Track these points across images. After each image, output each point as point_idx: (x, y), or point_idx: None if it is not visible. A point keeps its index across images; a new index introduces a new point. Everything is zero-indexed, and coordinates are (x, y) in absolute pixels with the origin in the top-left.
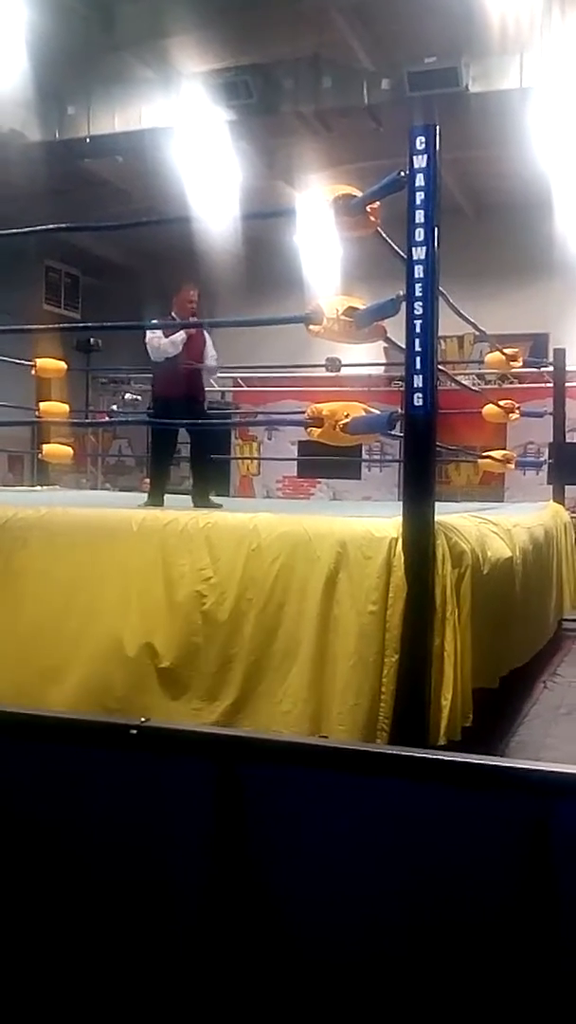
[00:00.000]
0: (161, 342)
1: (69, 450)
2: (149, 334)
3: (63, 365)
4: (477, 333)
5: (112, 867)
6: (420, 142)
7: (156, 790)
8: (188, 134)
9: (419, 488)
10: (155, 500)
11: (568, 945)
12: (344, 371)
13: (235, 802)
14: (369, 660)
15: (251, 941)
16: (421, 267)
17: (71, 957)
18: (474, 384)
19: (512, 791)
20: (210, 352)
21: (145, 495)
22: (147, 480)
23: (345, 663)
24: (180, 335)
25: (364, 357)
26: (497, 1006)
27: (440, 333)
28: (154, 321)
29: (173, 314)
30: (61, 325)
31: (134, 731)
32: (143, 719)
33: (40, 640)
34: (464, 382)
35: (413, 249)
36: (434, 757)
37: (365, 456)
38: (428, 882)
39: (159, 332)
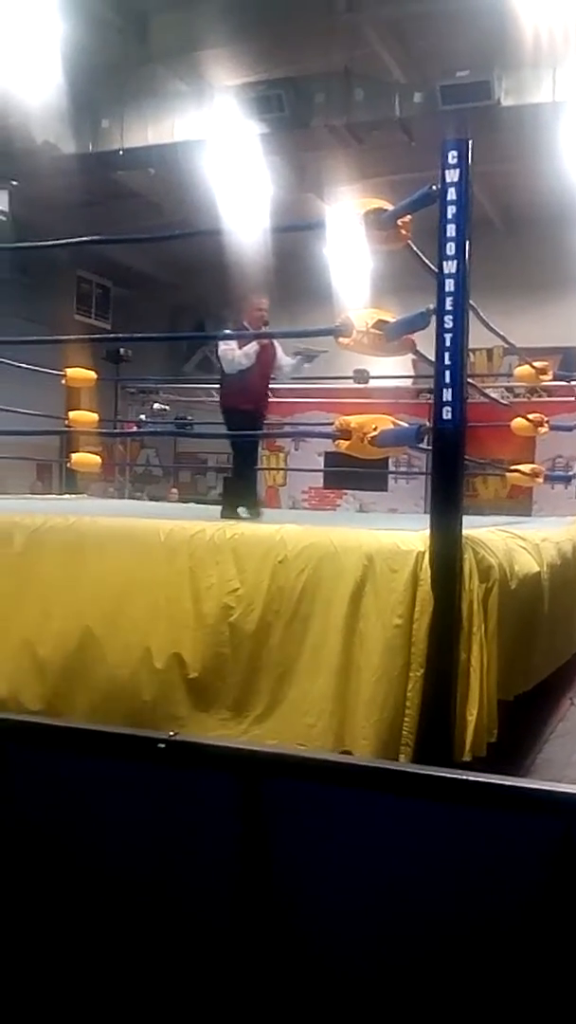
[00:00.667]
0: (235, 354)
1: (97, 459)
2: (223, 346)
3: (93, 375)
4: (506, 346)
5: (137, 879)
6: (452, 156)
7: (182, 803)
8: (220, 147)
9: (447, 502)
10: (255, 511)
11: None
12: (372, 383)
13: (259, 817)
14: (394, 674)
15: (274, 955)
16: (452, 281)
17: (96, 969)
18: (503, 397)
19: (535, 811)
20: (283, 359)
21: (182, 503)
22: (174, 490)
23: (370, 677)
24: (254, 346)
25: (391, 369)
26: None
27: (469, 346)
28: (225, 331)
29: (245, 324)
30: (92, 335)
31: (162, 744)
32: (171, 732)
33: (67, 648)
34: (493, 395)
35: (444, 263)
36: (456, 777)
37: (392, 468)
38: (451, 902)
39: (233, 344)
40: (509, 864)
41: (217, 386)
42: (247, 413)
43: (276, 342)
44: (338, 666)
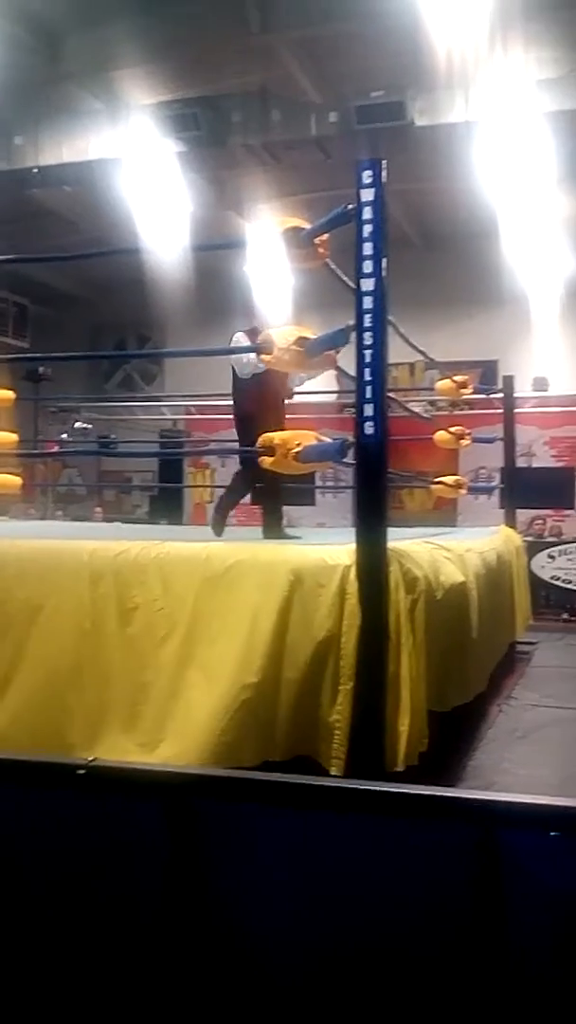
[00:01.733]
0: (250, 357)
1: (18, 480)
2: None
3: (11, 394)
4: (427, 361)
5: (59, 911)
6: (367, 176)
7: (107, 829)
8: (136, 165)
9: (371, 515)
10: (277, 532)
11: (517, 968)
12: (297, 399)
13: (188, 839)
14: (324, 688)
15: (210, 977)
16: (370, 298)
17: (22, 1004)
18: (425, 411)
19: (452, 818)
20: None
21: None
22: (99, 509)
23: (299, 691)
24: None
25: (316, 385)
26: None
27: (391, 361)
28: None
29: (256, 327)
30: (10, 356)
31: (82, 771)
32: (90, 758)
33: None
34: (416, 409)
35: (361, 280)
36: (376, 789)
37: (319, 483)
38: (380, 912)
39: (246, 344)
40: (432, 870)
41: (141, 404)
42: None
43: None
44: (267, 682)
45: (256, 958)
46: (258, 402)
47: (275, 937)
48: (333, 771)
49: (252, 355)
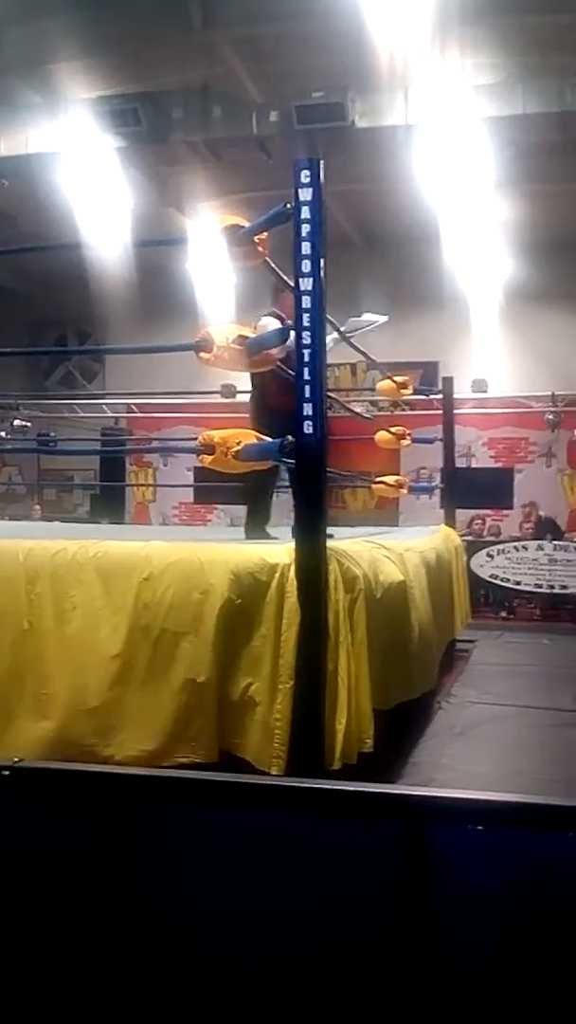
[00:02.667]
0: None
1: None
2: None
3: None
4: (369, 361)
5: None
6: (305, 175)
7: (34, 832)
8: (76, 160)
9: (310, 514)
10: (258, 532)
11: (446, 964)
12: (241, 397)
13: (116, 840)
14: (264, 687)
15: (138, 976)
16: (308, 297)
17: None
18: (367, 411)
19: (384, 816)
20: None
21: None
22: (37, 507)
23: (240, 690)
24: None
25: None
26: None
27: (333, 361)
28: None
29: (278, 312)
30: None
31: (6, 772)
32: (16, 759)
33: None
34: (357, 409)
35: (300, 280)
36: (305, 786)
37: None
38: (315, 909)
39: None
40: (364, 867)
41: (82, 401)
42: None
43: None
44: (208, 682)
45: (187, 959)
46: (289, 394)
47: (206, 938)
48: (274, 771)
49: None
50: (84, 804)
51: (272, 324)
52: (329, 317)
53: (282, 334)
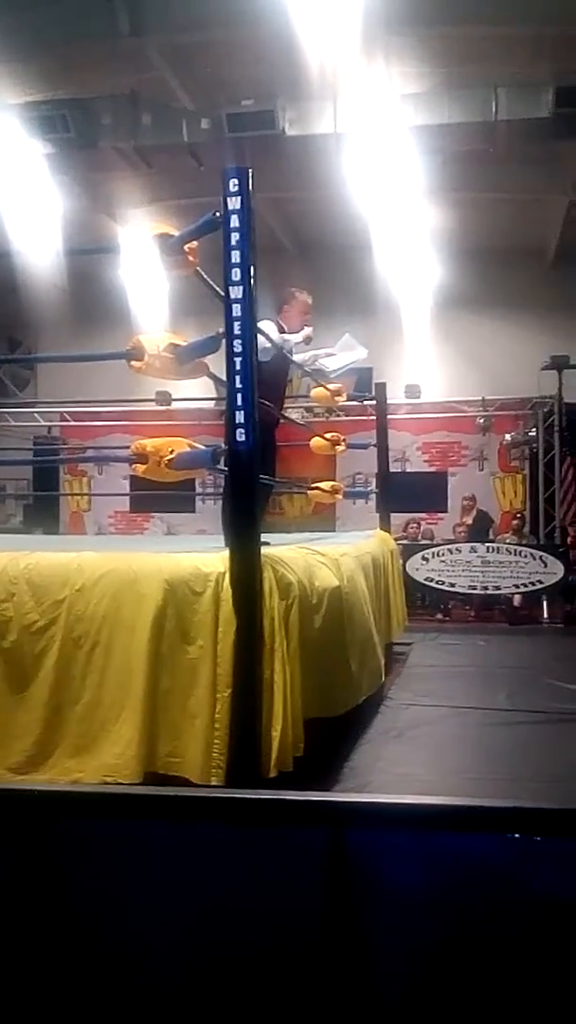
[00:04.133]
0: (274, 335)
1: None
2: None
3: None
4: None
5: None
6: (233, 184)
7: None
8: (3, 166)
9: (244, 522)
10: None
11: (373, 972)
12: (178, 405)
13: (41, 859)
14: (201, 696)
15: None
16: (238, 305)
17: None
18: (303, 418)
19: (303, 822)
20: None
21: None
22: None
23: (177, 701)
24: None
25: (197, 391)
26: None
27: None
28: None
29: (281, 322)
30: None
31: None
32: None
33: None
34: (292, 416)
35: (230, 288)
36: (228, 796)
37: (199, 490)
38: (244, 921)
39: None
40: (290, 876)
41: (12, 410)
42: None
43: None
44: (144, 693)
45: (116, 972)
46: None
47: (135, 951)
48: (214, 781)
49: (275, 335)
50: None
51: (269, 329)
52: (332, 350)
53: (215, 342)
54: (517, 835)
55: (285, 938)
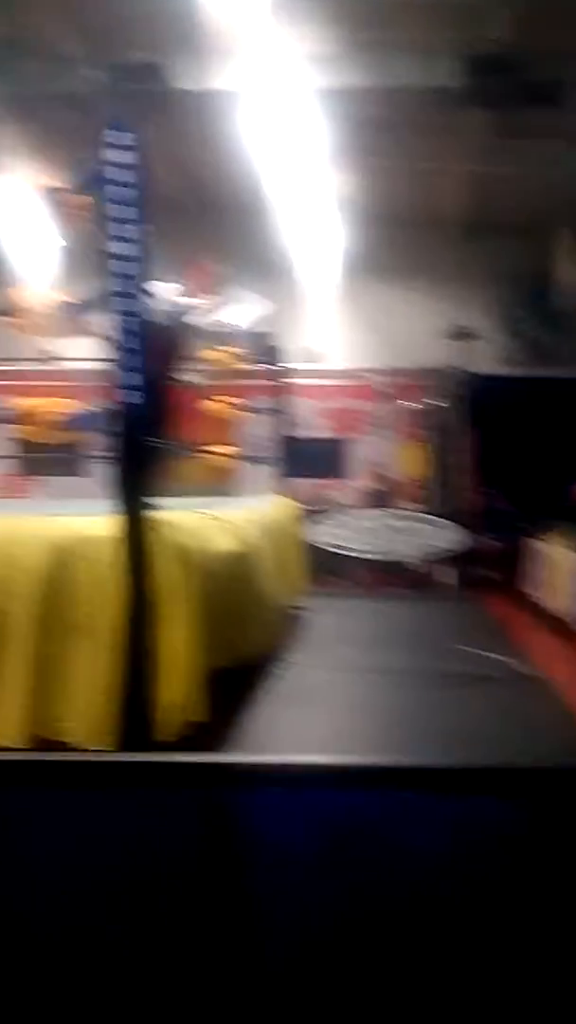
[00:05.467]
0: None
1: None
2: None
3: None
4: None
5: None
6: (116, 137)
7: None
8: None
9: (132, 485)
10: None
11: (259, 930)
12: (72, 365)
13: None
14: (89, 661)
15: None
16: (123, 262)
17: None
18: (200, 381)
19: (181, 785)
20: None
21: None
22: None
23: (65, 666)
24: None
25: (86, 348)
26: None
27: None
28: None
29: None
30: None
31: None
32: None
33: None
34: (190, 378)
35: (113, 244)
36: (110, 760)
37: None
38: (128, 884)
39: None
40: (175, 837)
41: None
42: None
43: None
44: (32, 659)
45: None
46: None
47: (12, 916)
48: (104, 746)
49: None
50: None
51: (167, 292)
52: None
53: (99, 300)
54: (389, 791)
55: (165, 900)
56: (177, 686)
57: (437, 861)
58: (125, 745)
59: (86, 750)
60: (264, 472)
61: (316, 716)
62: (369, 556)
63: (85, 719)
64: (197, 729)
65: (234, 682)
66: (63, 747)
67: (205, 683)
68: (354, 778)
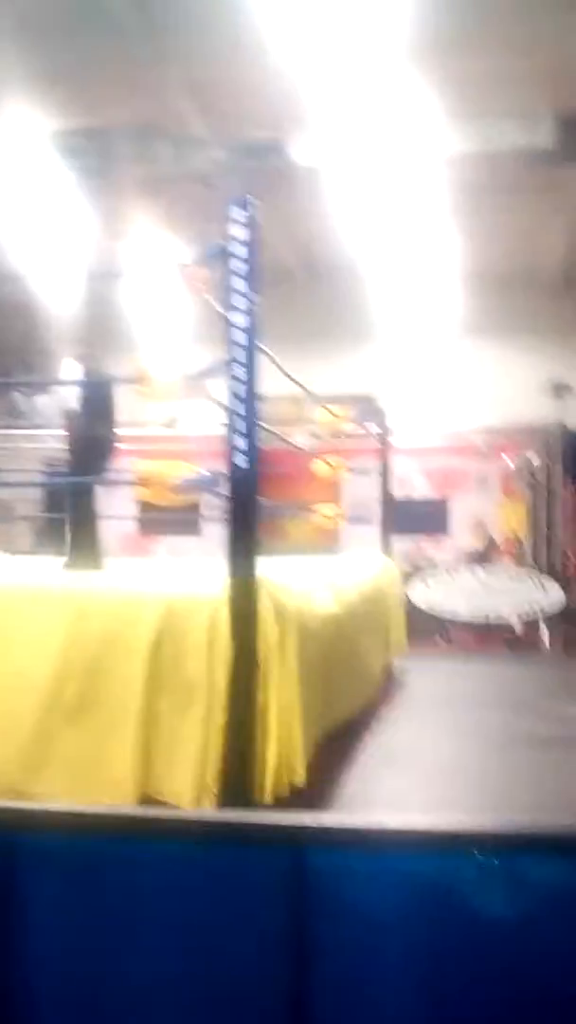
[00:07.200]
0: None
1: None
2: None
3: None
4: (308, 394)
5: None
6: (239, 213)
7: None
8: (24, 192)
9: (242, 547)
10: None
11: (318, 983)
12: (184, 430)
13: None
14: (196, 721)
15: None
16: (241, 332)
17: None
18: (307, 443)
19: (270, 843)
20: None
21: None
22: None
23: (172, 726)
24: None
25: (204, 416)
26: None
27: (274, 393)
28: None
29: None
30: None
31: None
32: None
33: None
34: (297, 441)
35: (232, 315)
36: (200, 819)
37: (205, 514)
38: (208, 937)
39: None
40: (252, 893)
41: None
42: None
43: None
44: (140, 718)
45: (95, 980)
46: None
47: (110, 963)
48: (207, 805)
49: None
50: None
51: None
52: None
53: (218, 367)
54: (478, 856)
55: (250, 954)
56: (279, 747)
57: (533, 927)
58: (227, 805)
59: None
60: (366, 532)
61: (414, 778)
62: (468, 617)
63: (190, 779)
64: (297, 790)
65: (333, 742)
66: (168, 805)
67: (306, 744)
68: (451, 841)
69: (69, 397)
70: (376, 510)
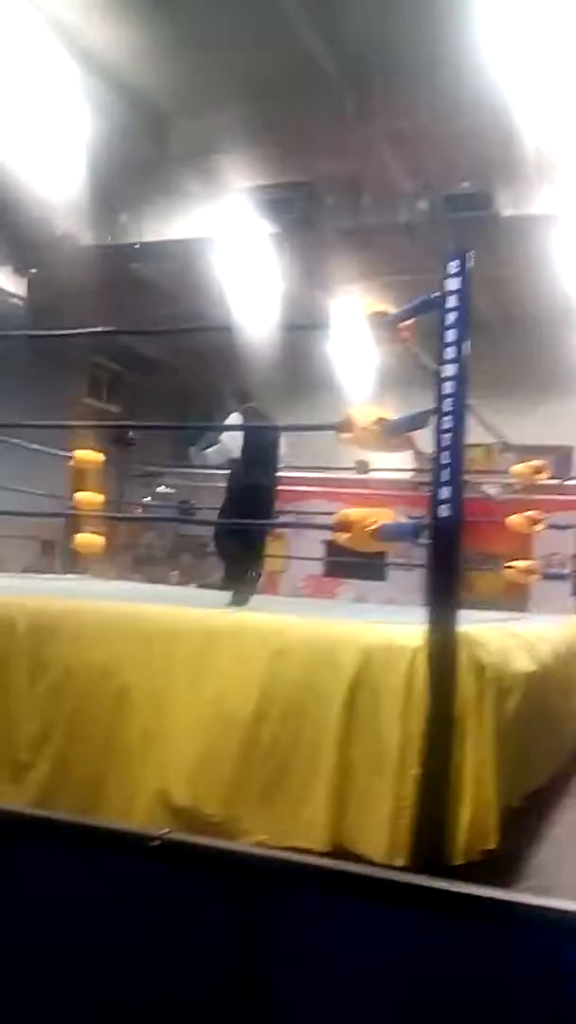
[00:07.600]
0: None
1: (101, 540)
2: None
3: (100, 457)
4: (503, 444)
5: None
6: (453, 266)
7: (178, 907)
8: (232, 244)
9: (444, 598)
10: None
11: None
12: (373, 474)
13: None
14: (390, 773)
15: None
16: (450, 383)
17: None
18: (500, 494)
19: (523, 926)
20: None
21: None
22: (175, 572)
23: (366, 774)
24: None
25: (392, 461)
26: None
27: (469, 442)
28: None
29: None
30: (112, 422)
31: (155, 842)
32: (165, 830)
33: (71, 737)
34: (491, 492)
35: (443, 366)
36: (435, 887)
37: (390, 559)
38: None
39: None
40: (498, 977)
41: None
42: None
43: None
44: (334, 762)
45: None
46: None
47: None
48: (397, 863)
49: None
50: (222, 880)
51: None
52: None
53: (424, 418)
54: None
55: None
56: (473, 809)
57: None
58: (418, 866)
59: (380, 865)
60: (561, 590)
61: None
62: None
63: (381, 832)
64: (487, 856)
65: (523, 808)
66: (358, 857)
67: (500, 808)
68: None
69: (234, 446)
70: (570, 568)
